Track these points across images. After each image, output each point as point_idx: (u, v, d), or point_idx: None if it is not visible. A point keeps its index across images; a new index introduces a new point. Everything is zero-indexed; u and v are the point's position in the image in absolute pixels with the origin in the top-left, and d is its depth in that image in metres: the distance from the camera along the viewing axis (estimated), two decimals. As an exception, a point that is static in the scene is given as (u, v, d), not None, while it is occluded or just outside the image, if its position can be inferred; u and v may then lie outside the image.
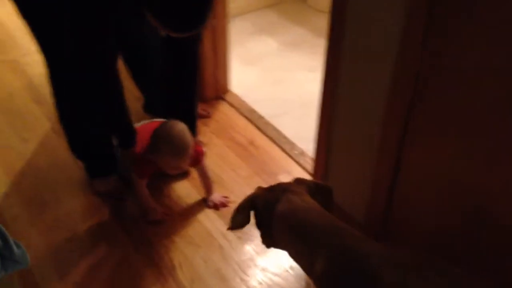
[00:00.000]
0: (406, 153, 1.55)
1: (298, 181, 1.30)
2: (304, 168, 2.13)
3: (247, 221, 1.24)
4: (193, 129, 1.94)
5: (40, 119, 2.29)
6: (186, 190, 2.01)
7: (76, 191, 1.96)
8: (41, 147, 2.15)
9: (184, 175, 2.06)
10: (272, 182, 2.02)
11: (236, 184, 2.04)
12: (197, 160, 1.90)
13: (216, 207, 1.93)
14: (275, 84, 2.70)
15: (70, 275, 1.66)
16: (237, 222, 1.23)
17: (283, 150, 2.23)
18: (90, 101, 1.73)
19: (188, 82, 1.94)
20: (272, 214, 1.16)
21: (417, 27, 1.33)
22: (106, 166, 1.98)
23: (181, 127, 1.80)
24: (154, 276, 1.68)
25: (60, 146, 2.00)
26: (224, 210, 1.92)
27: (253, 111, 2.45)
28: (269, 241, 1.23)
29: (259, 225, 1.23)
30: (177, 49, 1.82)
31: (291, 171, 2.13)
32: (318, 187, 1.27)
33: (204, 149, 1.98)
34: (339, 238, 1.07)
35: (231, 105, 2.48)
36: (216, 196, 1.95)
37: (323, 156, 1.88)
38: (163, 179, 2.02)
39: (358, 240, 1.08)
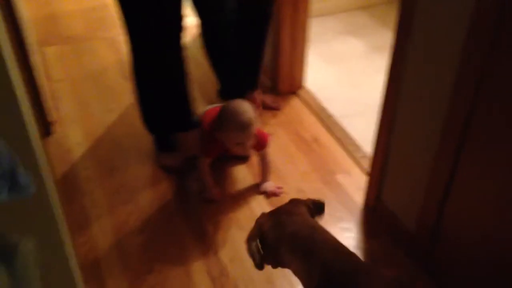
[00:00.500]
0: (462, 167, 1.50)
1: (296, 201, 1.35)
2: (363, 170, 2.12)
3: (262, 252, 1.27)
4: (254, 82, 2.18)
5: (125, 93, 2.49)
6: (242, 175, 2.09)
7: (144, 162, 2.12)
8: (121, 118, 2.34)
9: (245, 159, 2.13)
10: (330, 180, 2.07)
11: (292, 177, 2.08)
12: (261, 144, 1.97)
13: (267, 194, 1.98)
14: (352, 85, 2.69)
15: (124, 235, 1.81)
16: (254, 252, 1.26)
17: (346, 151, 2.23)
18: (158, 79, 1.89)
19: (259, 36, 2.17)
20: (280, 237, 1.22)
21: (483, 34, 1.29)
22: (173, 142, 2.11)
23: (245, 105, 1.88)
24: (199, 250, 1.77)
25: (138, 119, 2.16)
26: (274, 199, 1.97)
27: (323, 109, 2.46)
28: (275, 262, 1.28)
29: (264, 249, 1.26)
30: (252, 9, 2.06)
31: (350, 172, 2.12)
32: (314, 204, 1.34)
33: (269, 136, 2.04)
34: (334, 254, 1.18)
35: (303, 100, 2.52)
36: (269, 184, 2.01)
37: (381, 160, 1.85)
38: (224, 161, 2.11)
39: (350, 257, 1.19)
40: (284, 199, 1.92)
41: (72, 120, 2.33)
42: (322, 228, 1.27)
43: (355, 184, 2.06)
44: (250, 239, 1.28)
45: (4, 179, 0.65)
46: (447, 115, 1.49)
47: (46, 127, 2.21)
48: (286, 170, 2.12)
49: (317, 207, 1.35)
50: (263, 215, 1.34)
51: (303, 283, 1.21)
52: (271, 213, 1.34)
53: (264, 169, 2.03)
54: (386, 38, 3.10)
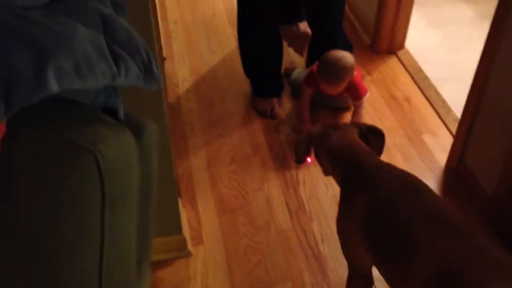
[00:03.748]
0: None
1: (353, 123, 1.48)
2: (451, 133, 2.13)
3: (307, 152, 1.45)
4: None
5: (229, 38, 2.67)
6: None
7: (239, 102, 2.29)
8: (223, 60, 2.52)
9: (344, 110, 2.23)
10: (415, 139, 2.12)
11: (378, 131, 2.15)
12: (358, 95, 2.08)
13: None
14: (454, 51, 2.65)
15: (216, 163, 2.01)
16: (299, 154, 1.46)
17: (437, 113, 2.25)
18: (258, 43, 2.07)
19: None
20: (324, 146, 1.37)
21: None
22: (269, 88, 2.26)
23: (344, 60, 1.99)
24: (279, 184, 1.93)
25: (238, 63, 2.33)
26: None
27: (420, 71, 2.47)
28: (324, 168, 1.42)
29: (316, 156, 1.43)
30: None
31: (437, 133, 2.15)
32: (369, 130, 1.42)
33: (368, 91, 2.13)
34: (355, 155, 1.28)
35: (401, 61, 2.54)
36: (355, 135, 2.10)
37: (468, 122, 1.87)
38: (324, 109, 2.23)
39: (368, 156, 1.28)
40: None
41: (182, 58, 2.55)
42: (360, 144, 1.35)
43: (440, 145, 2.09)
44: (298, 141, 1.47)
45: (144, 66, 0.70)
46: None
47: (160, 63, 2.45)
48: (373, 124, 2.18)
49: (373, 132, 1.43)
50: (318, 126, 1.51)
51: (333, 176, 1.37)
52: (324, 126, 1.50)
53: (354, 119, 2.12)
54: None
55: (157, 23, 2.34)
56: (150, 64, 0.72)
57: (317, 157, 1.45)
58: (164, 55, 2.51)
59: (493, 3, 3.08)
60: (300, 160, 1.49)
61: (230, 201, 1.87)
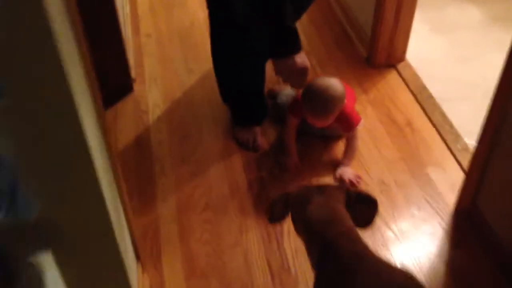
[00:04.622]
0: None
1: (340, 187, 1.25)
2: (461, 166, 1.84)
3: (282, 216, 1.23)
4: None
5: (209, 53, 2.36)
6: (327, 155, 1.91)
7: (218, 132, 2.01)
8: (201, 81, 2.23)
9: (337, 138, 1.95)
10: (419, 174, 1.83)
11: (376, 165, 1.87)
12: (350, 126, 1.80)
13: (343, 182, 1.79)
14: (461, 61, 2.35)
15: (187, 209, 1.73)
16: (274, 215, 1.24)
17: (444, 140, 1.96)
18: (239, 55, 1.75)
19: None
20: (301, 214, 1.15)
21: None
22: (250, 116, 1.97)
23: (332, 89, 1.71)
24: (260, 235, 1.65)
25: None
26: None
27: (423, 88, 2.17)
28: (301, 238, 1.21)
29: (293, 221, 1.21)
30: None
31: (444, 167, 1.86)
32: (359, 198, 1.17)
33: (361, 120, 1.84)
34: (334, 239, 1.06)
35: (401, 76, 2.24)
36: (348, 171, 1.82)
37: (484, 155, 1.57)
38: (311, 139, 1.95)
39: (350, 241, 1.07)
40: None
41: (153, 79, 2.26)
42: (343, 219, 1.11)
43: (448, 182, 1.80)
44: (274, 200, 1.24)
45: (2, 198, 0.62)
46: None
47: (128, 83, 2.17)
48: (370, 156, 1.90)
49: (364, 201, 1.18)
50: (300, 186, 1.32)
51: (311, 264, 1.15)
52: (305, 186, 1.33)
53: (347, 152, 1.84)
54: (509, 9, 2.67)
55: (124, 39, 2.04)
56: (14, 193, 0.65)
57: (294, 223, 1.22)
58: (134, 76, 2.23)
59: (502, 2, 2.78)
60: (274, 221, 1.27)
61: (201, 261, 1.59)
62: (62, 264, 1.02)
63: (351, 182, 1.79)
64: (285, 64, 1.65)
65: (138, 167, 1.87)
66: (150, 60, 2.36)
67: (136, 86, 2.20)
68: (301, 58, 1.64)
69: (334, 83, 1.72)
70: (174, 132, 2.01)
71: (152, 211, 1.73)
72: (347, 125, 1.80)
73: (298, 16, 1.84)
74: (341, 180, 1.80)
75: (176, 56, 2.39)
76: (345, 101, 1.75)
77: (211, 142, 1.97)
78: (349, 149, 1.84)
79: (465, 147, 1.91)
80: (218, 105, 2.08)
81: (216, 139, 1.98)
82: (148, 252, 1.61)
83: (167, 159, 1.91)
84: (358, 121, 1.81)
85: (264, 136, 1.98)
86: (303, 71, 1.66)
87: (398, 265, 1.57)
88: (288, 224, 1.68)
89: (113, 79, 2.08)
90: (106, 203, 0.98)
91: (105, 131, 1.16)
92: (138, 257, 1.49)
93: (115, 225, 1.09)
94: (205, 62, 2.33)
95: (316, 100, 1.70)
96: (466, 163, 1.84)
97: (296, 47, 1.64)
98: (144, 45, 2.45)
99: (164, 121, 2.06)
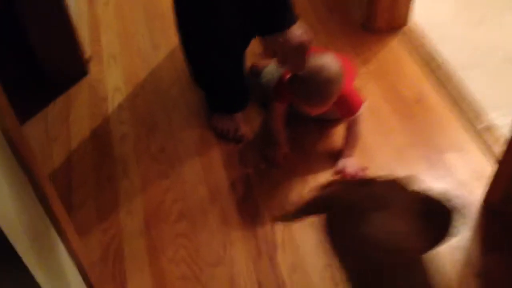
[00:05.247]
0: None
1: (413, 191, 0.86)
2: (488, 149, 1.54)
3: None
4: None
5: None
6: (323, 145, 1.59)
7: (192, 120, 1.67)
8: (169, 59, 1.87)
9: (335, 122, 1.62)
10: (434, 161, 1.52)
11: (382, 153, 1.55)
12: (350, 110, 1.47)
13: (345, 175, 1.48)
14: (473, 23, 2.01)
15: (157, 220, 1.41)
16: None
17: (463, 118, 1.64)
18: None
19: None
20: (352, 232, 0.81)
21: None
22: (230, 102, 1.63)
23: (326, 69, 1.36)
24: (248, 250, 1.34)
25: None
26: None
27: (432, 57, 1.84)
28: None
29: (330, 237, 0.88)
30: None
31: (465, 151, 1.55)
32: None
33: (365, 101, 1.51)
34: None
35: (406, 43, 1.90)
36: (351, 162, 1.50)
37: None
38: (304, 123, 1.62)
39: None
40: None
41: (112, 57, 1.89)
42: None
43: (471, 169, 1.50)
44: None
45: None
46: None
47: (80, 65, 1.80)
48: (375, 143, 1.58)
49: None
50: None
51: None
52: (357, 184, 0.97)
53: (349, 142, 1.52)
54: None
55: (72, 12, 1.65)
56: None
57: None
58: (89, 55, 1.86)
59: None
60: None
61: (176, 285, 1.28)
62: None
63: (355, 174, 1.47)
64: (277, 41, 1.26)
65: (96, 168, 1.53)
66: (108, 35, 1.98)
67: (93, 67, 1.84)
68: (299, 30, 1.27)
69: (329, 61, 1.37)
70: (139, 123, 1.66)
71: (114, 224, 1.40)
72: (346, 109, 1.47)
73: None
74: (343, 172, 1.48)
75: (139, 29, 2.01)
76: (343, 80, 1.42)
77: (184, 134, 1.63)
78: (350, 137, 1.52)
79: (490, 125, 1.60)
80: (191, 87, 1.73)
81: (189, 129, 1.64)
82: (110, 277, 1.30)
83: (131, 157, 1.57)
84: (360, 104, 1.48)
85: (247, 124, 1.64)
86: (300, 48, 1.28)
87: None
88: (282, 234, 1.37)
89: (60, 61, 1.72)
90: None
91: (20, 150, 0.81)
92: (90, 285, 1.17)
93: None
94: (174, 35, 1.94)
95: (308, 85, 1.35)
96: (492, 144, 1.54)
97: (289, 17, 1.26)
98: (100, 16, 2.07)
99: (126, 109, 1.71)
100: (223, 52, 1.47)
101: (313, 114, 1.46)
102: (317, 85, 1.34)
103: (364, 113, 1.63)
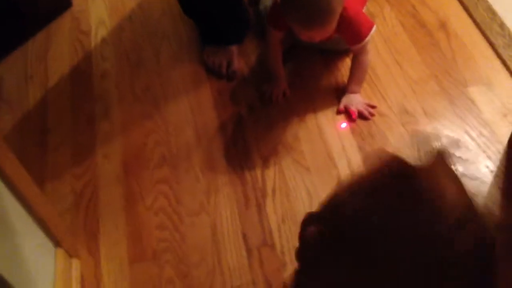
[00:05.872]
0: None
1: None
2: (517, 81, 1.31)
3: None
4: None
5: None
6: (327, 79, 1.39)
7: (181, 56, 1.49)
8: (160, -13, 1.68)
9: (341, 54, 1.41)
10: (457, 95, 1.31)
11: (396, 88, 1.34)
12: (357, 36, 1.26)
13: (350, 114, 1.29)
14: None
15: (137, 166, 1.27)
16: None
17: (492, 46, 1.40)
18: None
19: None
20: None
21: None
22: (224, 33, 1.44)
23: None
24: (234, 198, 1.19)
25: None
26: (361, 124, 1.28)
27: (462, -25, 1.58)
28: None
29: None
30: None
31: (494, 84, 1.33)
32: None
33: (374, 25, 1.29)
34: None
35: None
36: (357, 99, 1.30)
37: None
38: (308, 55, 1.42)
39: None
40: (378, 125, 1.25)
41: (100, -13, 1.72)
42: None
43: (498, 105, 1.28)
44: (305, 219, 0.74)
45: None
46: None
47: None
48: (388, 76, 1.37)
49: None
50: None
51: None
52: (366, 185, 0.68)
53: (354, 74, 1.32)
54: None
55: None
56: None
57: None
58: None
59: None
60: None
61: (152, 236, 1.15)
62: None
63: (360, 114, 1.28)
64: None
65: (73, 108, 1.40)
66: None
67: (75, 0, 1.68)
68: None
69: None
70: (123, 59, 1.50)
71: (89, 169, 1.28)
72: (352, 35, 1.26)
73: None
74: (348, 112, 1.29)
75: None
76: (346, -2, 1.20)
77: (172, 71, 1.46)
78: (357, 69, 1.31)
79: (523, 54, 1.36)
80: (183, 17, 1.54)
81: (179, 66, 1.47)
82: (81, 227, 1.18)
83: (112, 95, 1.42)
84: (368, 28, 1.26)
85: (243, 58, 1.46)
86: None
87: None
88: (273, 181, 1.22)
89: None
90: None
91: None
92: (57, 242, 1.06)
93: None
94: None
95: (302, 3, 1.15)
96: (525, 76, 1.31)
97: None
98: None
99: (110, 43, 1.54)
100: None
101: (317, 40, 1.25)
102: (313, 3, 1.13)
103: (377, 43, 1.43)
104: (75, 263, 1.10)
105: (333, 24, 1.19)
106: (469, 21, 1.47)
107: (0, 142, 0.88)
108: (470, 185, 1.14)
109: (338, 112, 1.30)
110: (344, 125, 1.28)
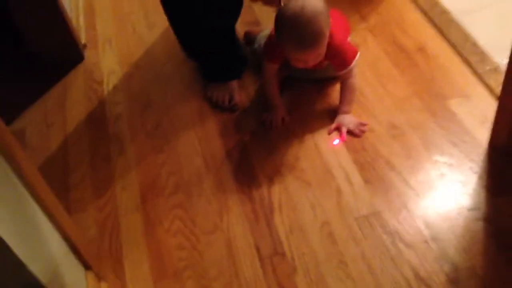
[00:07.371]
0: None
1: None
2: (492, 92, 1.44)
3: None
4: None
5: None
6: (321, 104, 1.53)
7: (188, 95, 1.64)
8: (165, 35, 1.84)
9: (332, 81, 1.56)
10: (438, 108, 1.44)
11: (384, 105, 1.48)
12: (343, 61, 1.41)
13: (343, 133, 1.42)
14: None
15: (152, 194, 1.39)
16: None
17: (467, 63, 1.55)
18: None
19: None
20: None
21: None
22: (224, 70, 1.60)
23: (312, 6, 1.30)
24: (245, 215, 1.30)
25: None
26: (355, 140, 1.41)
27: (434, 3, 1.74)
28: None
29: None
30: None
31: (470, 95, 1.46)
32: None
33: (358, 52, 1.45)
34: None
35: (405, -8, 1.81)
36: (349, 118, 1.44)
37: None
38: (301, 84, 1.57)
39: None
40: (369, 139, 1.37)
41: (108, 41, 1.88)
42: None
43: (477, 114, 1.41)
44: None
45: None
46: None
47: (77, 53, 1.81)
48: (375, 97, 1.51)
49: None
50: None
51: None
52: None
53: (344, 96, 1.46)
54: None
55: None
56: None
57: None
58: (84, 41, 1.87)
59: None
60: None
61: (173, 256, 1.26)
62: None
63: (353, 133, 1.41)
64: None
65: (91, 148, 1.53)
66: (103, 18, 1.99)
67: (88, 52, 1.84)
68: None
69: (313, 8, 1.31)
70: (134, 102, 1.65)
71: (110, 201, 1.40)
72: (339, 61, 1.41)
73: None
74: (341, 130, 1.42)
75: (134, 9, 2.00)
76: (333, 28, 1.35)
77: (179, 108, 1.60)
78: (346, 92, 1.46)
79: (495, 67, 1.50)
80: (186, 59, 1.70)
81: (185, 103, 1.61)
82: (107, 253, 1.29)
83: (126, 135, 1.56)
84: (353, 55, 1.42)
85: (243, 91, 1.60)
86: None
87: (422, 228, 1.21)
88: (279, 196, 1.33)
89: (55, 50, 1.74)
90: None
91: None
92: (87, 265, 1.17)
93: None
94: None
95: (294, 26, 1.29)
96: (498, 87, 1.44)
97: None
98: (95, 1, 2.07)
99: (121, 89, 1.70)
100: (209, 34, 1.46)
101: (310, 66, 1.39)
102: (303, 24, 1.28)
103: (363, 68, 1.58)
104: (104, 286, 1.21)
105: (324, 47, 1.34)
106: (444, 43, 1.62)
107: (38, 176, 1.01)
108: (456, 187, 1.27)
109: (329, 132, 1.43)
110: (336, 141, 1.41)
